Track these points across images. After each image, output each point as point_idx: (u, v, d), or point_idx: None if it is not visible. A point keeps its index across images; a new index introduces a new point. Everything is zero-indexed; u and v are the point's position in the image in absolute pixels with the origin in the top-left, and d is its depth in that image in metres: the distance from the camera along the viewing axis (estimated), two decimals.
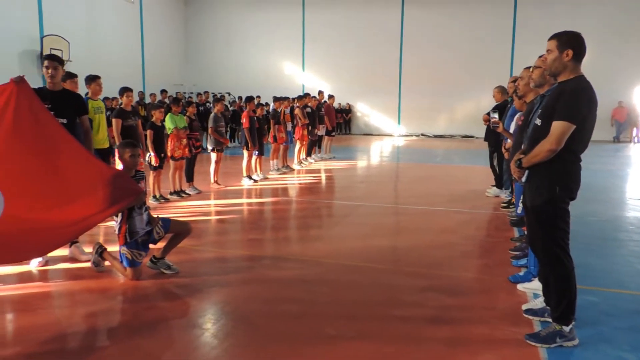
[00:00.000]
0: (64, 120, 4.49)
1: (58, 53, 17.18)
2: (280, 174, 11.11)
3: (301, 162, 12.48)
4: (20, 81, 3.86)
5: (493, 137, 8.09)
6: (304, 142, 12.49)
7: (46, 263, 4.79)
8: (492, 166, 8.59)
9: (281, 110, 11.33)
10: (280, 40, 24.83)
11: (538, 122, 3.30)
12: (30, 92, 3.95)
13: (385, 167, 13.74)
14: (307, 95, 13.10)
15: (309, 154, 13.16)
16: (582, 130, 3.12)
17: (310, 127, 12.41)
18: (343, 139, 21.71)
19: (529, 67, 4.63)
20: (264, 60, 25.05)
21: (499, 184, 8.43)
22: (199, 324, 3.63)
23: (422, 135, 23.81)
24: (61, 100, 4.61)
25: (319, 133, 13.40)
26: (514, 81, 6.63)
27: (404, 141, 21.78)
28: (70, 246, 4.96)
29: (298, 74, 25.06)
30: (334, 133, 14.67)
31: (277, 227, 6.93)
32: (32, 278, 4.52)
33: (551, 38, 3.23)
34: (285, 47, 24.92)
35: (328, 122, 13.68)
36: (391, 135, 24.13)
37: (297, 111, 11.96)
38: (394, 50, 23.72)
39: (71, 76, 5.90)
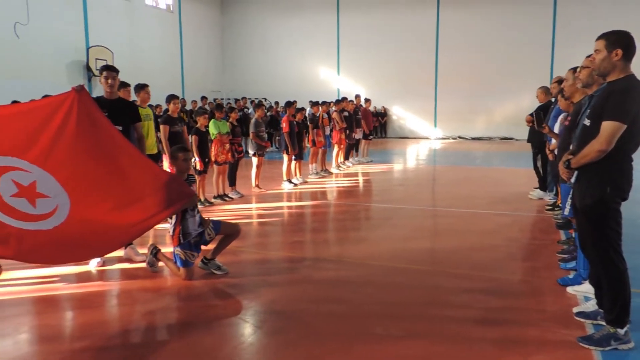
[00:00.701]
0: (120, 127, 4.71)
1: (103, 63, 17.88)
2: (319, 178, 11.23)
3: (339, 166, 12.57)
4: (80, 90, 4.06)
5: (537, 138, 7.98)
6: (342, 146, 12.59)
7: (104, 264, 5.03)
8: (535, 168, 8.46)
9: (319, 115, 11.47)
10: (315, 45, 25.05)
11: (587, 122, 3.28)
12: (90, 100, 4.16)
13: (423, 170, 13.69)
14: (344, 99, 13.21)
15: (346, 157, 13.24)
16: (633, 130, 3.09)
17: (347, 131, 12.49)
18: (379, 142, 21.69)
19: (575, 68, 4.59)
20: (299, 66, 25.34)
21: (543, 186, 8.29)
22: (252, 322, 3.77)
23: (460, 137, 23.54)
24: (117, 108, 4.86)
25: (356, 137, 13.47)
26: (558, 81, 6.56)
27: (440, 144, 21.60)
28: (126, 248, 5.20)
29: (333, 78, 25.21)
30: (371, 136, 14.71)
31: (318, 230, 7.03)
32: (92, 278, 4.77)
33: (599, 38, 3.21)
34: (320, 52, 25.14)
35: (365, 126, 13.73)
36: (427, 138, 23.95)
37: (334, 115, 12.08)
38: (429, 53, 23.56)
39: (125, 85, 6.18)
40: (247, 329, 3.65)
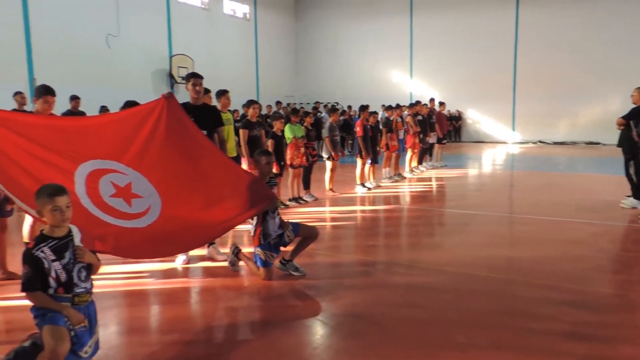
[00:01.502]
0: (205, 132, 4.92)
1: (184, 71, 18.82)
2: (392, 182, 11.13)
3: (412, 170, 12.40)
4: (169, 97, 4.29)
5: (628, 143, 7.45)
6: (416, 150, 12.41)
7: (188, 262, 5.28)
8: (627, 175, 7.88)
9: (393, 119, 11.38)
10: (388, 48, 24.89)
11: None
12: (178, 106, 4.38)
13: (500, 175, 13.18)
14: (418, 103, 13.02)
15: (420, 162, 13.03)
16: None
17: (421, 135, 12.30)
18: (453, 146, 21.16)
19: None
20: (371, 70, 25.29)
21: (637, 194, 7.72)
22: (331, 324, 3.80)
23: (540, 142, 22.45)
24: (202, 113, 5.09)
25: (430, 141, 13.23)
26: None
27: (519, 148, 20.71)
28: (208, 247, 5.42)
29: (406, 82, 24.94)
30: (445, 140, 14.39)
31: (392, 234, 6.97)
32: (178, 274, 5.02)
33: None
34: (393, 55, 24.94)
35: (439, 130, 13.45)
36: (505, 143, 23.05)
37: (408, 119, 11.93)
38: (507, 54, 22.69)
39: (207, 91, 6.46)
40: (326, 331, 3.69)
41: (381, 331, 3.64)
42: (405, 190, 10.49)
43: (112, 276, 4.82)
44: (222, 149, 5.24)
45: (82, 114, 9.74)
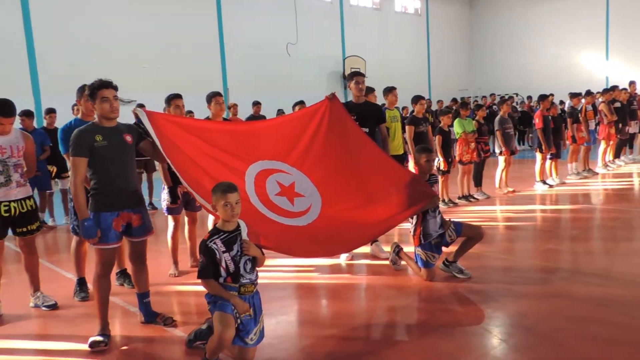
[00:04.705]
0: (366, 129, 4.95)
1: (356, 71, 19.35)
2: (580, 179, 9.88)
3: (607, 165, 10.84)
4: (332, 98, 4.42)
5: None
6: (611, 142, 10.82)
7: (352, 258, 5.37)
8: None
9: (582, 107, 10.08)
10: (577, 29, 22.20)
11: None
12: (340, 106, 4.48)
13: None
14: (614, 88, 11.32)
15: (617, 155, 11.33)
16: None
17: (619, 125, 10.67)
18: None
19: None
20: (555, 55, 22.84)
21: None
22: (496, 334, 3.49)
23: None
24: (364, 112, 5.12)
25: (631, 131, 11.39)
26: None
27: None
28: (372, 244, 5.45)
29: (600, 65, 21.96)
30: None
31: (579, 238, 6.13)
32: (341, 270, 5.14)
33: None
34: (583, 36, 22.16)
35: None
36: None
37: (602, 107, 10.45)
38: None
39: (370, 90, 6.50)
40: (491, 341, 3.40)
41: (555, 349, 3.21)
42: (597, 187, 9.21)
43: (281, 268, 5.14)
44: (384, 147, 5.22)
45: (263, 117, 10.65)
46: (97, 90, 3.43)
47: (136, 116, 3.86)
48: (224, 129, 4.25)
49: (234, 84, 16.56)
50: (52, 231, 7.70)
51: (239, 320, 3.02)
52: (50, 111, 7.98)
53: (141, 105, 9.25)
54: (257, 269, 3.21)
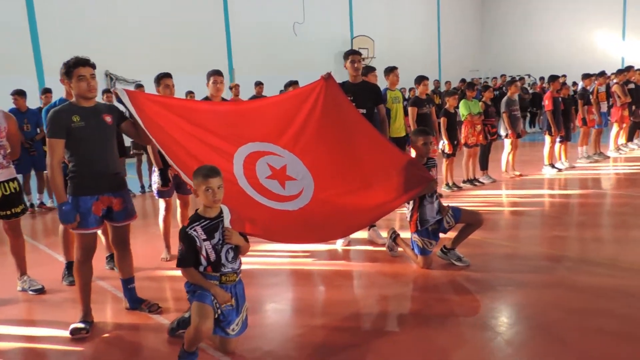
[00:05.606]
0: (364, 110, 4.74)
1: (364, 51, 19.00)
2: (590, 162, 9.60)
3: (619, 149, 10.52)
4: (328, 78, 4.22)
5: None
6: (624, 125, 10.47)
7: (349, 244, 5.21)
8: None
9: (594, 89, 9.74)
10: (592, 6, 21.54)
11: None
12: (336, 87, 4.28)
13: None
14: (629, 68, 10.93)
15: (630, 138, 11.00)
16: None
17: (632, 107, 10.31)
18: None
19: None
20: (569, 34, 22.21)
21: None
22: (492, 326, 3.32)
23: None
24: (361, 92, 4.91)
25: None
26: None
27: None
28: (369, 229, 5.28)
29: (616, 45, 21.35)
30: None
31: (587, 225, 5.90)
32: (337, 256, 4.99)
33: None
34: (598, 14, 21.51)
35: None
36: None
37: (615, 88, 10.10)
38: None
39: (371, 70, 6.27)
40: (486, 333, 3.23)
41: (553, 342, 3.05)
42: (609, 172, 8.94)
43: (276, 254, 5.00)
44: (382, 128, 5.02)
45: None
46: (74, 69, 3.26)
47: (117, 96, 3.69)
48: (212, 110, 4.06)
49: (240, 64, 16.31)
50: (51, 212, 7.62)
51: (219, 311, 2.89)
52: (47, 91, 7.83)
53: (140, 86, 9.21)
54: (242, 257, 3.07)
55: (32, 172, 7.85)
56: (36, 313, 4.01)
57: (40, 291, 4.26)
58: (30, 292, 4.25)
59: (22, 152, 6.87)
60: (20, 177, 7.22)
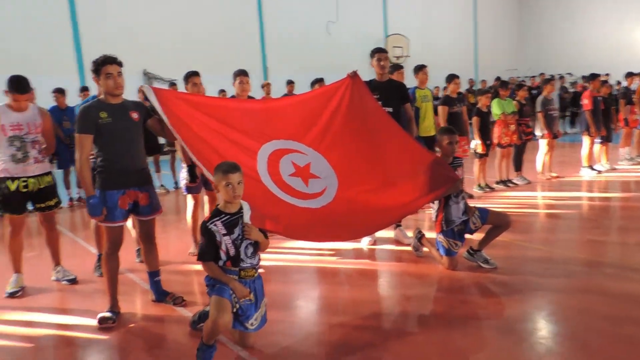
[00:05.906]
0: (390, 109, 4.69)
1: (399, 50, 18.82)
2: (633, 164, 9.21)
3: None
4: (354, 76, 4.19)
5: None
6: None
7: (375, 242, 5.17)
8: None
9: (637, 88, 9.34)
10: (636, 2, 20.57)
11: None
12: (362, 85, 4.24)
13: None
14: None
15: None
16: None
17: None
18: None
19: None
20: (614, 30, 21.27)
21: None
22: (516, 330, 3.23)
23: None
24: (387, 90, 4.86)
25: None
26: None
27: None
28: (396, 228, 5.23)
29: None
30: None
31: (627, 229, 5.65)
32: (362, 255, 4.95)
33: None
34: None
35: None
36: None
37: None
38: None
39: (398, 68, 6.20)
40: (510, 338, 3.13)
41: (582, 350, 2.94)
42: None
43: (302, 251, 5.00)
44: (408, 127, 4.95)
45: None
46: (101, 67, 3.36)
47: (143, 93, 3.77)
48: (237, 107, 4.10)
49: (274, 63, 16.42)
50: None
51: (237, 305, 2.92)
52: (84, 89, 8.11)
53: (173, 84, 9.40)
54: (261, 253, 3.09)
55: (72, 168, 8.12)
56: (67, 302, 4.16)
57: (73, 281, 4.41)
58: (64, 282, 4.42)
59: (62, 148, 7.17)
60: (60, 172, 7.54)
